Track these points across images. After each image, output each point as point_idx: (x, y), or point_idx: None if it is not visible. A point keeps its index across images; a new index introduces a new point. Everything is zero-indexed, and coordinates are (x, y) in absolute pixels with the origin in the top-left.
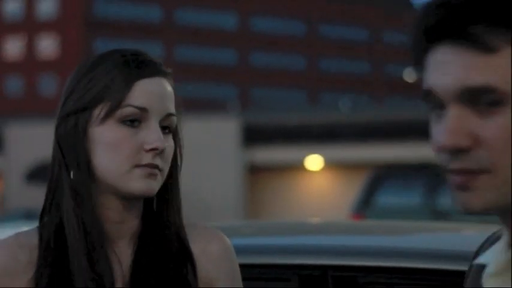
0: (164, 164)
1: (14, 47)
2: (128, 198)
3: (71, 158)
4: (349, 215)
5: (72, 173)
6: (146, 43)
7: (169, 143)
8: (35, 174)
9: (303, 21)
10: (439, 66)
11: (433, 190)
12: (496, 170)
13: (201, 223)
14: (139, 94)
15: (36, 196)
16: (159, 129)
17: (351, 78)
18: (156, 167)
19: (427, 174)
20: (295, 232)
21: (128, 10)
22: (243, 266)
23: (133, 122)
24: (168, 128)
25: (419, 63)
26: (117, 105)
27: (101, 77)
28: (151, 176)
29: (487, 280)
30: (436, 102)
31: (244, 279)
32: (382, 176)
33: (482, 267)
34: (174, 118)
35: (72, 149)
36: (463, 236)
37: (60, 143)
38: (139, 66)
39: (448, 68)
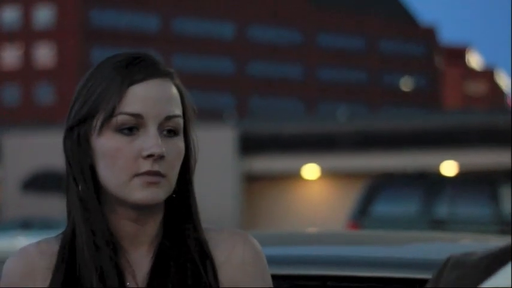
0: (169, 169)
1: (11, 56)
2: (135, 208)
3: (77, 170)
4: (345, 224)
5: (80, 185)
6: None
7: (174, 146)
8: (31, 183)
9: (300, 31)
10: None
11: (430, 199)
12: None
13: (229, 227)
14: (131, 100)
15: (32, 205)
16: (156, 135)
17: (348, 88)
18: (157, 173)
19: (424, 184)
20: (293, 242)
21: (125, 19)
22: None
23: (132, 129)
24: (173, 131)
25: None
26: (111, 114)
27: (97, 86)
28: (152, 184)
29: None
30: None
31: None
32: (379, 185)
33: None
34: (178, 119)
35: (77, 161)
36: (461, 245)
37: (67, 156)
38: (132, 72)
39: None
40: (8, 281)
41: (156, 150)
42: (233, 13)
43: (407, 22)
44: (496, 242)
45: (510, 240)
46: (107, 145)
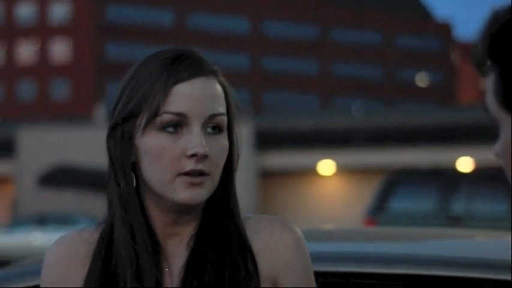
0: (213, 167)
1: (26, 52)
2: (180, 206)
3: (119, 168)
4: (362, 219)
5: (120, 183)
6: (158, 48)
7: (218, 144)
8: (47, 179)
9: (315, 26)
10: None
11: (447, 196)
12: None
13: (267, 215)
14: (176, 99)
15: (48, 200)
16: (200, 134)
17: (363, 83)
18: (200, 173)
19: (441, 180)
20: (313, 239)
21: (140, 14)
22: None
23: (176, 128)
24: (217, 128)
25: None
26: (155, 113)
27: (141, 85)
28: (195, 185)
29: None
30: None
31: None
32: (396, 181)
33: None
34: (223, 117)
35: (119, 159)
36: (477, 242)
37: (109, 154)
38: (177, 70)
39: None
40: (52, 267)
41: (199, 150)
42: (248, 8)
43: (422, 18)
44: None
45: None
46: (151, 144)
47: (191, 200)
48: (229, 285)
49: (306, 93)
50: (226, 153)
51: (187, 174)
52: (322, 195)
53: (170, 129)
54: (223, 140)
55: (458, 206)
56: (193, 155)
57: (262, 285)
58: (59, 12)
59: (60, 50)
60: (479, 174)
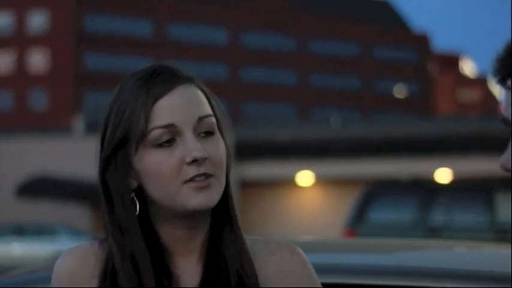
0: (216, 169)
1: (4, 62)
2: (191, 216)
3: (117, 197)
4: (341, 231)
5: (119, 212)
6: (137, 58)
7: (215, 145)
8: (25, 189)
9: (293, 37)
10: None
11: (426, 207)
12: None
13: (277, 239)
14: (160, 114)
15: (26, 211)
16: (194, 139)
17: (341, 94)
18: (205, 175)
19: (420, 191)
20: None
21: (118, 25)
22: None
23: (169, 141)
24: (209, 132)
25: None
26: (143, 133)
27: (122, 110)
28: (204, 188)
29: None
30: None
31: None
32: (375, 193)
33: None
34: (211, 118)
35: (118, 189)
36: (456, 253)
37: (103, 184)
38: (154, 86)
39: None
40: (63, 279)
41: (197, 154)
42: (227, 19)
43: (400, 29)
44: (491, 250)
45: (510, 248)
46: (148, 162)
47: (203, 205)
48: None
49: (284, 104)
50: (225, 153)
51: (192, 180)
52: (301, 206)
53: (164, 143)
54: (218, 141)
55: (438, 217)
56: (193, 161)
57: None
58: (37, 22)
59: (38, 60)
60: (458, 185)
